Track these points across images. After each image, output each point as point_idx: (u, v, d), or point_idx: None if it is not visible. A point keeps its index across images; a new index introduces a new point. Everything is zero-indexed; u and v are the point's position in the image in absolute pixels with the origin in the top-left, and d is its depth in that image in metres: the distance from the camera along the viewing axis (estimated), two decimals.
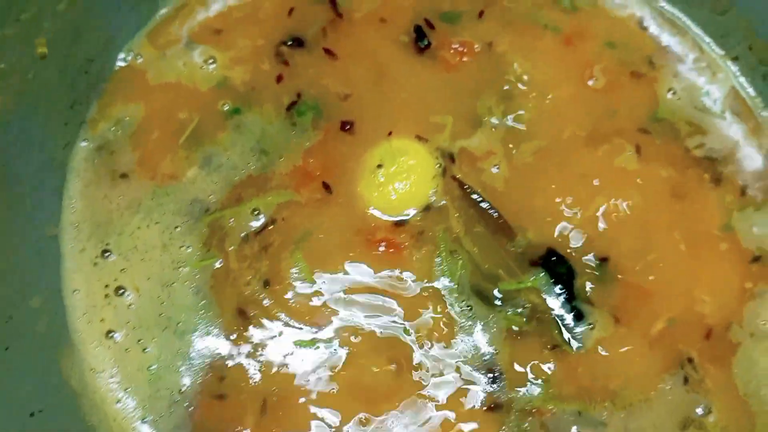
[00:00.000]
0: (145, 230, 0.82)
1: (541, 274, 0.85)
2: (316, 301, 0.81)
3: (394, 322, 0.81)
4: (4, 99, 0.77)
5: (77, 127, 0.87)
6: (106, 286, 0.81)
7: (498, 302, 0.84)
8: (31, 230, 0.80)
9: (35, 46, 0.81)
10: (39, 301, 0.77)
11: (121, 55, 0.92)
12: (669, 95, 1.00)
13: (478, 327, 0.83)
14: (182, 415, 0.77)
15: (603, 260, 0.88)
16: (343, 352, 0.79)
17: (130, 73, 0.91)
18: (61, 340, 0.78)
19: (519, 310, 0.85)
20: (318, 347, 0.79)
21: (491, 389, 0.80)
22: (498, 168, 0.88)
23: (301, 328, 0.80)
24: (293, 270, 0.81)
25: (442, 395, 0.80)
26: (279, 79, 0.92)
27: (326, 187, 0.86)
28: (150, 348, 0.79)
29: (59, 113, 0.85)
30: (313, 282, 0.81)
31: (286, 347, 0.79)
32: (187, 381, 0.78)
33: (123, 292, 0.80)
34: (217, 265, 0.82)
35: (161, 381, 0.78)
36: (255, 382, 0.77)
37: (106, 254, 0.82)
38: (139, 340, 0.79)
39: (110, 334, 0.79)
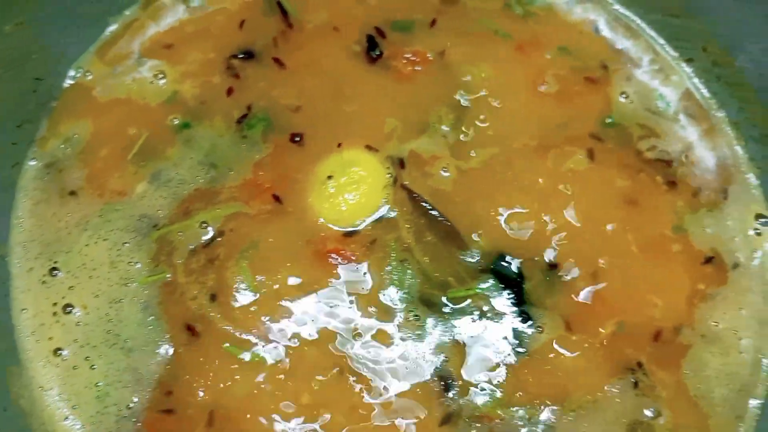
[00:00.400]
0: (93, 247, 0.84)
1: (490, 281, 0.87)
2: (262, 314, 0.82)
3: (341, 332, 0.82)
4: None
5: (26, 146, 0.89)
6: (54, 304, 0.82)
7: (447, 310, 0.86)
8: None
9: None
10: None
11: (71, 73, 0.94)
12: (622, 99, 1.02)
13: (427, 336, 0.84)
14: (130, 429, 0.78)
15: (553, 265, 0.89)
16: (288, 363, 0.81)
17: (80, 91, 0.93)
18: (9, 359, 0.80)
19: (468, 317, 0.86)
20: (264, 359, 0.81)
21: (443, 398, 0.82)
22: (447, 171, 0.89)
23: (247, 341, 0.81)
24: (238, 280, 0.82)
25: (392, 405, 0.81)
26: (229, 92, 0.94)
27: (276, 199, 0.88)
28: (97, 365, 0.81)
29: (8, 133, 0.87)
30: (258, 292, 0.82)
31: (232, 360, 0.80)
32: (134, 397, 0.80)
33: (71, 310, 0.82)
34: (167, 278, 0.83)
35: (109, 397, 0.79)
36: (202, 396, 0.79)
37: (55, 272, 0.83)
38: (86, 358, 0.81)
39: (58, 352, 0.81)
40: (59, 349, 0.81)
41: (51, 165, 0.89)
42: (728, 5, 1.01)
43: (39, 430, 0.78)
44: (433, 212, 0.88)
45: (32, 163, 0.89)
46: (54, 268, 0.84)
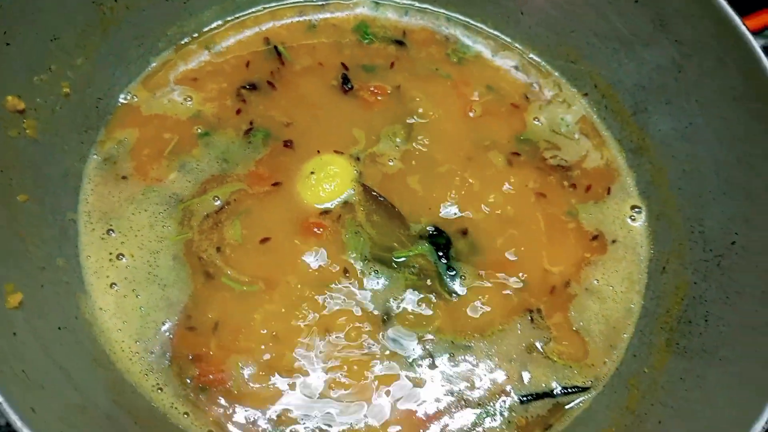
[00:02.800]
0: (137, 215, 1.16)
1: (426, 245, 1.20)
2: (255, 261, 1.12)
3: (314, 274, 1.14)
4: (39, 124, 1.10)
5: (90, 145, 1.19)
6: (110, 253, 1.12)
7: (395, 265, 1.19)
8: (57, 215, 1.09)
9: (61, 88, 1.14)
10: (62, 261, 1.06)
11: (122, 96, 1.27)
12: (535, 122, 1.37)
13: (384, 284, 1.15)
14: (164, 340, 1.07)
15: (464, 233, 1.21)
16: (276, 297, 1.12)
17: (129, 108, 1.25)
18: (78, 289, 1.08)
19: (411, 270, 1.19)
20: (256, 291, 1.11)
21: (390, 326, 1.13)
22: (392, 162, 1.24)
23: (245, 280, 1.12)
24: (234, 238, 1.14)
25: (348, 329, 1.12)
26: (238, 111, 1.28)
27: (275, 184, 1.21)
28: (141, 295, 1.09)
29: (77, 135, 1.16)
30: (248, 244, 1.13)
31: (234, 292, 1.11)
32: (167, 317, 1.08)
33: (122, 258, 1.13)
34: (189, 237, 1.16)
35: (149, 317, 1.08)
36: (213, 317, 1.10)
37: (110, 232, 1.15)
38: (133, 290, 1.10)
39: (113, 286, 1.11)
40: (114, 283, 1.10)
41: (108, 159, 1.20)
42: (608, 54, 1.36)
43: (99, 336, 1.06)
44: (380, 198, 1.22)
45: (95, 157, 1.21)
46: (110, 229, 1.11)
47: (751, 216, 1.10)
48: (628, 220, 1.27)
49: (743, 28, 1.10)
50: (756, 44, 1.09)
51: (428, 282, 1.15)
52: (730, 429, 0.91)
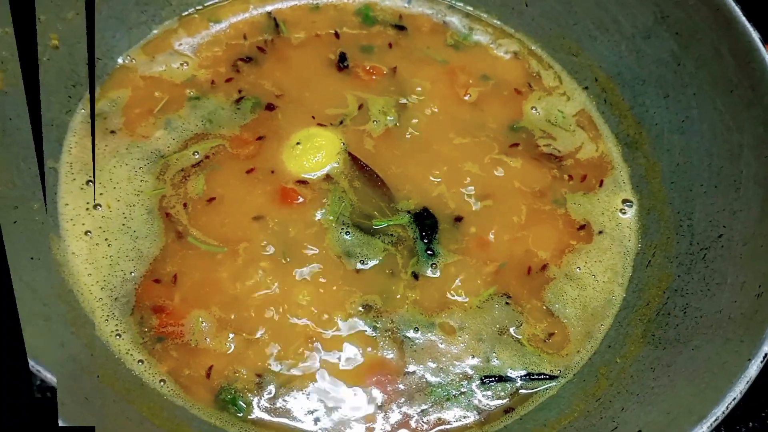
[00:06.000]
0: (118, 169, 1.17)
1: (406, 215, 1.18)
2: (222, 221, 1.13)
3: (279, 234, 1.14)
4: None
5: (77, 99, 1.21)
6: (88, 203, 1.13)
7: (372, 232, 1.16)
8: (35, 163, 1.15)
9: (50, 39, 1.16)
10: (37, 205, 1.07)
11: (120, 59, 1.30)
12: (532, 111, 1.35)
13: (360, 248, 1.14)
14: (130, 289, 1.07)
15: (459, 218, 1.20)
16: (243, 259, 1.12)
17: (125, 70, 1.28)
18: (54, 231, 1.09)
19: (390, 239, 1.17)
20: (223, 251, 1.12)
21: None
22: (381, 139, 1.23)
23: (205, 241, 1.12)
24: (197, 191, 1.15)
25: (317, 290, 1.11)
26: (228, 80, 1.29)
27: (260, 138, 1.21)
28: (113, 244, 1.10)
29: (64, 89, 1.18)
30: (203, 195, 1.15)
31: (198, 251, 1.11)
32: (135, 268, 1.10)
33: (99, 208, 1.14)
34: (164, 191, 1.16)
35: (118, 266, 1.09)
36: (179, 271, 1.10)
37: (90, 183, 1.16)
38: (106, 239, 1.11)
39: (87, 233, 1.11)
40: (88, 231, 1.11)
41: (98, 115, 1.24)
42: (610, 47, 1.35)
43: (68, 277, 1.06)
44: (366, 168, 1.22)
45: (82, 111, 1.23)
46: (90, 180, 1.15)
47: (738, 208, 1.07)
48: (618, 213, 1.24)
49: (739, 13, 1.08)
50: (752, 31, 1.06)
51: (404, 254, 1.12)
52: (688, 415, 0.86)
